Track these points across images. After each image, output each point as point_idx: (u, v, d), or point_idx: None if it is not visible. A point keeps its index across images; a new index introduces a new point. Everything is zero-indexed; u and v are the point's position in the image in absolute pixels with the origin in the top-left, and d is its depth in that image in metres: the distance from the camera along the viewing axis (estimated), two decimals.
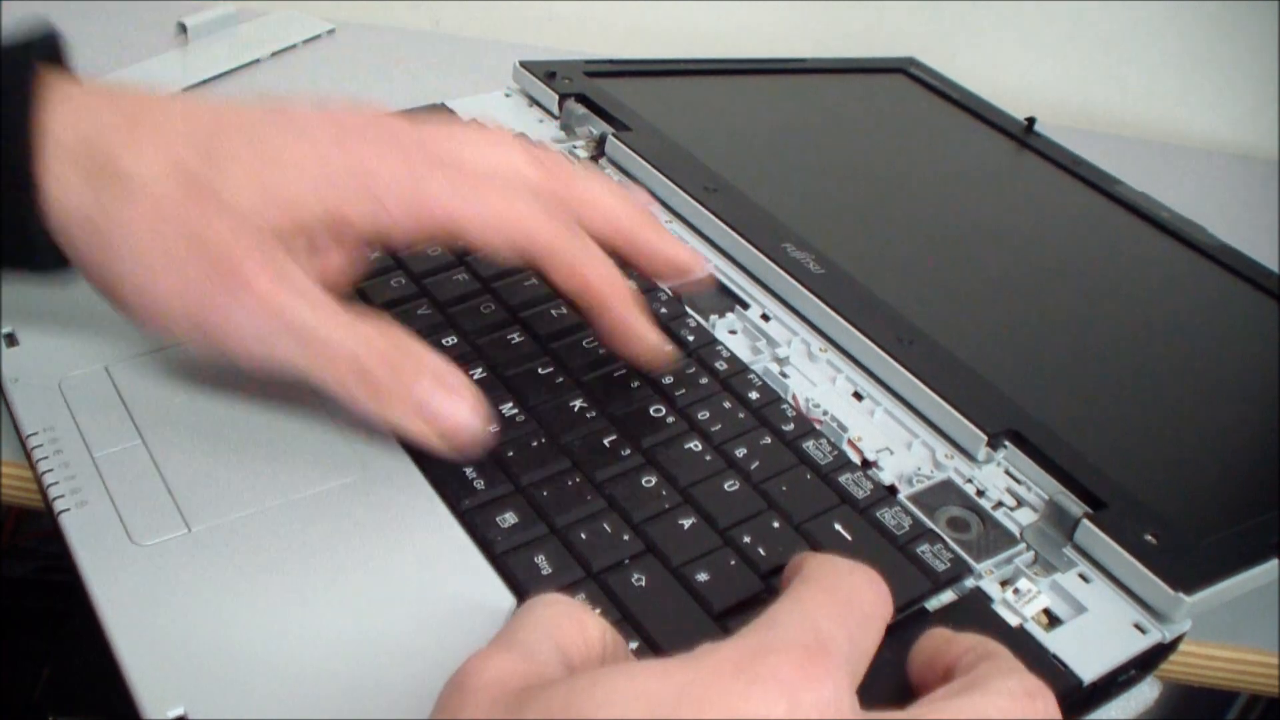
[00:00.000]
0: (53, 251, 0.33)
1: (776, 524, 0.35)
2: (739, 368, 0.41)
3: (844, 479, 0.37)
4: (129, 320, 0.34)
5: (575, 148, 0.54)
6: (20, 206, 0.32)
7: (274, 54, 0.70)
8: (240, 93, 0.66)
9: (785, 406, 0.40)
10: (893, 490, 0.38)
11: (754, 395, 0.40)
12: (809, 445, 0.38)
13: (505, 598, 0.32)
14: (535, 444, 0.37)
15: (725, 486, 0.36)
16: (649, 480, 0.36)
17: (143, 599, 0.31)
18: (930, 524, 0.36)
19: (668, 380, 0.40)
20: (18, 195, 0.32)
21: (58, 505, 0.33)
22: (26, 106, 0.32)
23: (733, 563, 0.34)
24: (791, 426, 0.39)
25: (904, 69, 0.69)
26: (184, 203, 0.32)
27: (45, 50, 0.34)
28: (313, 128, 0.34)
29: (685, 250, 0.40)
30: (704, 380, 0.40)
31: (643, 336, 0.37)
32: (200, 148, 0.33)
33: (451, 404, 0.33)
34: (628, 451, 0.37)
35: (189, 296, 0.32)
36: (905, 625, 0.33)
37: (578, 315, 0.41)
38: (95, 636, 0.30)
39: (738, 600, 0.33)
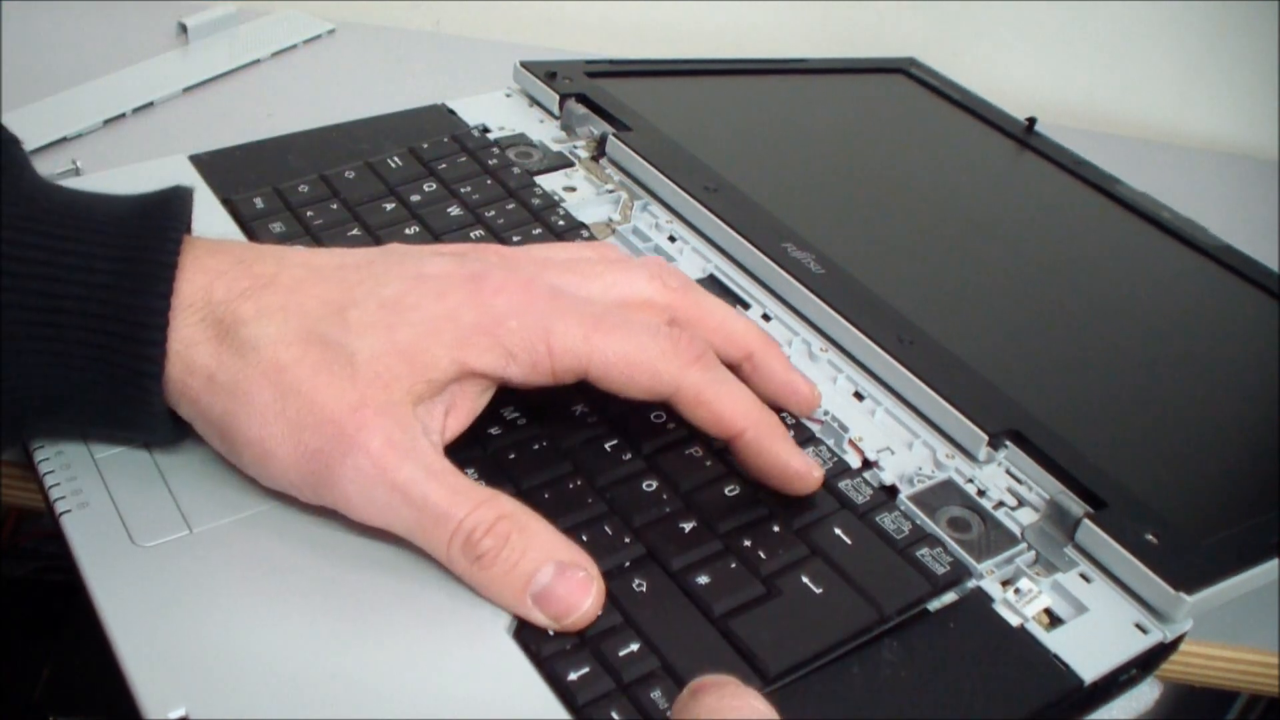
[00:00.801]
0: (165, 420, 0.33)
1: (777, 528, 0.35)
2: None
3: (843, 485, 0.37)
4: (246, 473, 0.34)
5: (575, 148, 0.54)
6: (144, 370, 0.32)
7: (274, 54, 0.70)
8: (241, 92, 0.66)
9: (784, 414, 0.40)
10: (893, 490, 0.38)
11: None
12: (808, 452, 0.38)
13: None
14: (536, 447, 0.37)
15: (725, 491, 0.36)
16: (649, 484, 0.36)
17: (144, 600, 0.31)
18: (931, 526, 0.36)
19: None
20: (142, 359, 0.32)
21: (59, 506, 0.33)
22: (158, 270, 0.32)
23: (733, 566, 0.34)
24: (791, 434, 0.39)
25: (904, 69, 0.69)
26: (312, 368, 0.32)
27: (175, 210, 0.33)
28: (443, 283, 0.34)
29: (805, 382, 0.40)
30: None
31: (783, 466, 0.35)
32: (332, 310, 0.33)
33: (565, 588, 0.31)
34: (628, 455, 0.37)
35: (305, 461, 0.32)
36: (908, 627, 0.33)
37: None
38: (96, 637, 0.30)
39: (738, 604, 0.33)
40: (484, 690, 0.30)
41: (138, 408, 0.33)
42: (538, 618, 0.31)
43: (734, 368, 0.39)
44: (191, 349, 0.32)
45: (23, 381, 0.32)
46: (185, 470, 0.35)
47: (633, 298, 0.37)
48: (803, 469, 0.35)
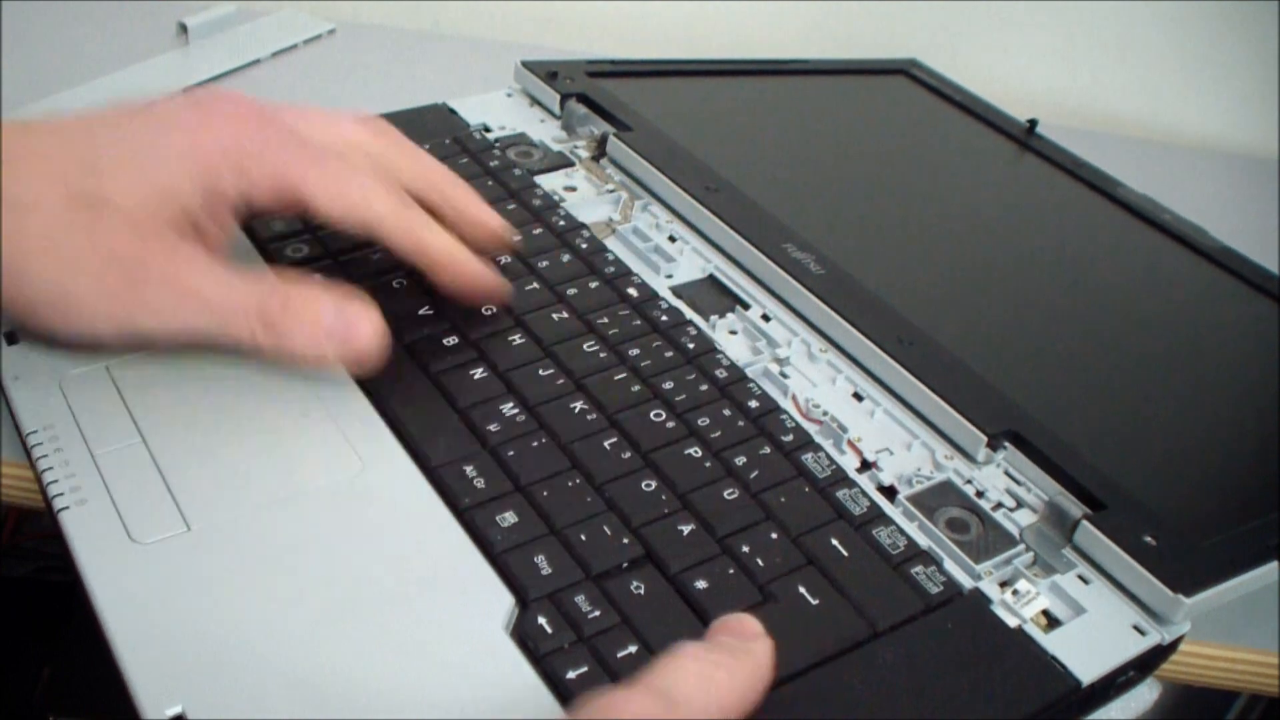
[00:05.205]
0: None
1: (775, 534, 0.35)
2: (738, 375, 0.41)
3: (841, 494, 0.37)
4: (46, 339, 0.36)
5: (576, 147, 0.54)
6: None
7: (274, 54, 0.70)
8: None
9: (784, 417, 0.40)
10: (892, 492, 0.38)
11: (753, 404, 0.40)
12: (807, 458, 0.38)
13: (504, 597, 0.32)
14: (535, 444, 0.37)
15: (724, 494, 0.36)
16: (649, 484, 0.36)
17: (142, 598, 0.31)
18: (930, 529, 0.36)
19: (667, 385, 0.40)
20: None
21: (57, 504, 0.33)
22: None
23: (731, 572, 0.34)
24: (790, 438, 0.39)
25: (905, 70, 0.69)
26: (80, 218, 0.35)
27: None
28: (179, 116, 0.38)
29: (494, 216, 0.44)
30: (704, 387, 0.40)
31: (479, 275, 0.41)
32: (82, 162, 0.36)
33: (344, 322, 0.36)
34: (628, 454, 0.37)
35: (106, 300, 0.35)
36: (905, 627, 0.33)
37: (578, 322, 0.42)
38: (96, 637, 0.30)
39: (735, 610, 0.32)
40: (481, 688, 0.30)
41: None
42: (333, 359, 0.36)
43: (428, 207, 0.41)
44: None
45: None
46: (184, 468, 0.35)
47: (345, 141, 0.41)
48: (493, 279, 0.41)
